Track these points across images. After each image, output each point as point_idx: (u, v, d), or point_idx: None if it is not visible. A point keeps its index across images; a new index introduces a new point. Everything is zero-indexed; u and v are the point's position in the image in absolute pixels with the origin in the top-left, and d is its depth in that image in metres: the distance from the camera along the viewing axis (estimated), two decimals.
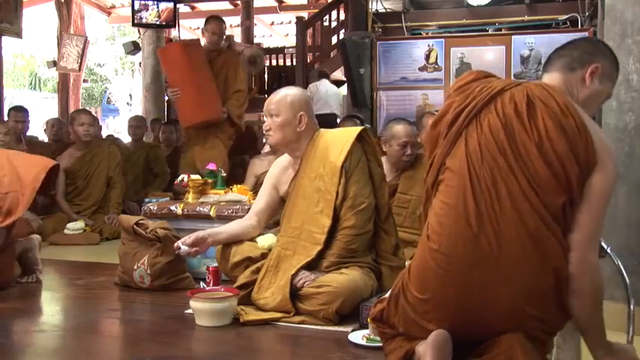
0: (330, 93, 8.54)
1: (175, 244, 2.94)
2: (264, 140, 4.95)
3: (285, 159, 3.09)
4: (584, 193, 1.87)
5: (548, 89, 1.97)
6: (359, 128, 2.95)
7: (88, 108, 16.23)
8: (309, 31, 10.18)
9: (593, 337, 1.93)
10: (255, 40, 13.13)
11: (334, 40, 9.66)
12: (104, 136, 6.82)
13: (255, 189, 3.90)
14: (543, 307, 1.87)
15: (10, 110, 6.26)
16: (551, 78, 2.05)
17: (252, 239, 3.05)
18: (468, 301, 1.88)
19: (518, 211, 1.85)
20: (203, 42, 5.63)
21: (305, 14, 11.97)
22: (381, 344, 2.34)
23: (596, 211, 1.88)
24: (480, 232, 1.87)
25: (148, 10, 9.58)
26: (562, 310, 1.89)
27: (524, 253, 1.84)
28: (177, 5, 10.02)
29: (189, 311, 2.74)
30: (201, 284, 3.03)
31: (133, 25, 9.77)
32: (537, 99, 1.94)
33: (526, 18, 7.08)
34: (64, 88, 11.20)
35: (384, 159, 3.51)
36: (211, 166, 4.03)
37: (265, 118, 3.02)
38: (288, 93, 2.96)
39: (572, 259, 1.86)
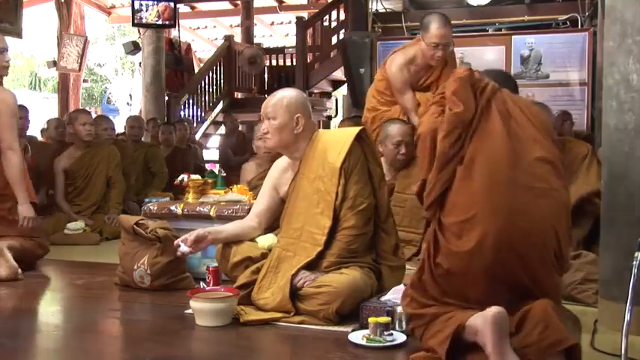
0: None
1: (175, 243, 2.94)
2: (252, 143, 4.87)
3: (284, 160, 3.09)
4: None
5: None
6: (357, 128, 2.94)
7: (88, 108, 16.27)
8: (309, 31, 10.17)
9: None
10: (255, 40, 13.12)
11: (334, 40, 9.65)
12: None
13: None
14: (561, 223, 2.21)
15: None
16: None
17: (252, 239, 3.04)
18: (511, 209, 2.14)
19: (536, 144, 2.26)
20: (416, 51, 4.20)
21: (305, 14, 11.97)
22: (381, 344, 2.35)
23: None
24: (516, 160, 2.20)
25: (147, 10, 9.58)
26: (569, 237, 2.28)
27: (548, 175, 2.22)
28: (177, 5, 10.02)
29: (189, 311, 2.74)
30: (201, 284, 3.03)
31: (133, 25, 9.78)
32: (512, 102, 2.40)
33: (526, 18, 7.06)
34: (64, 88, 11.21)
35: (382, 160, 3.52)
36: (211, 166, 4.03)
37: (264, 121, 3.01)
38: (284, 95, 2.95)
39: None
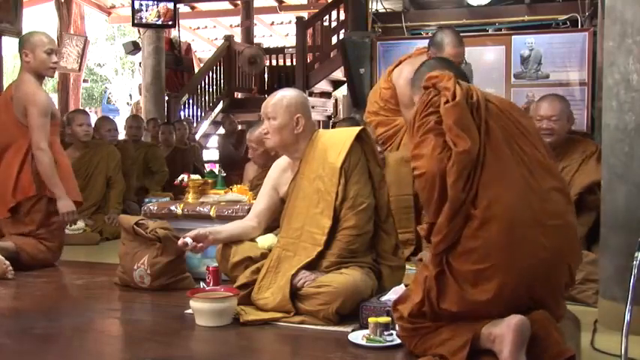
0: None
1: (180, 241, 2.91)
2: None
3: (284, 160, 3.09)
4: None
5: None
6: (357, 128, 2.94)
7: (88, 108, 16.24)
8: (309, 31, 10.17)
9: None
10: (255, 40, 13.12)
11: (334, 40, 9.66)
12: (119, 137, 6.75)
13: None
14: (574, 257, 2.20)
15: None
16: None
17: (252, 239, 3.04)
18: (531, 256, 2.07)
19: (543, 169, 2.20)
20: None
21: (305, 14, 11.97)
22: (381, 344, 2.34)
23: None
24: (532, 198, 2.11)
25: (147, 10, 9.58)
26: (579, 263, 2.29)
27: (560, 207, 2.17)
28: (177, 5, 10.02)
29: (189, 311, 2.74)
30: (201, 284, 3.03)
31: (133, 25, 9.78)
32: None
33: (526, 18, 7.06)
34: (64, 88, 11.20)
35: None
36: (211, 166, 4.04)
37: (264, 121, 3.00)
38: (284, 95, 2.95)
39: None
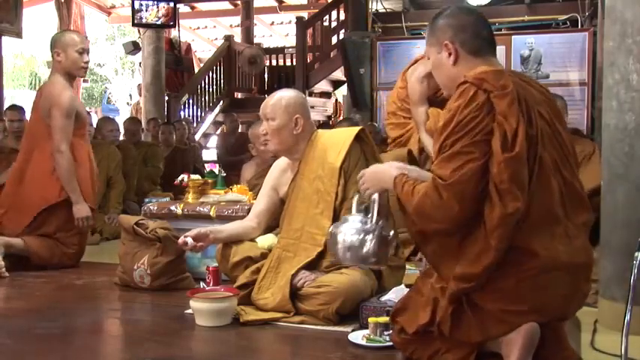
0: None
1: (181, 239, 2.91)
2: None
3: (283, 161, 3.09)
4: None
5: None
6: (357, 128, 2.95)
7: (88, 108, 16.20)
8: (309, 31, 10.18)
9: None
10: (255, 40, 13.12)
11: (334, 40, 9.66)
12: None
13: None
14: (588, 281, 2.14)
15: (5, 110, 6.21)
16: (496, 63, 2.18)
17: (252, 240, 3.04)
18: (552, 296, 2.01)
19: (580, 198, 2.09)
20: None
21: (305, 14, 11.97)
22: (381, 344, 2.34)
23: None
24: (566, 237, 2.02)
25: (147, 10, 9.59)
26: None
27: (584, 242, 2.10)
28: (177, 5, 10.03)
29: (189, 311, 2.74)
30: (201, 284, 3.03)
31: (133, 25, 9.78)
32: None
33: (526, 18, 7.08)
34: None
35: None
36: (211, 166, 4.03)
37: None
38: (283, 96, 2.95)
39: None
